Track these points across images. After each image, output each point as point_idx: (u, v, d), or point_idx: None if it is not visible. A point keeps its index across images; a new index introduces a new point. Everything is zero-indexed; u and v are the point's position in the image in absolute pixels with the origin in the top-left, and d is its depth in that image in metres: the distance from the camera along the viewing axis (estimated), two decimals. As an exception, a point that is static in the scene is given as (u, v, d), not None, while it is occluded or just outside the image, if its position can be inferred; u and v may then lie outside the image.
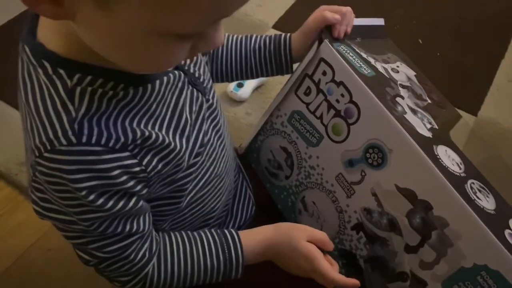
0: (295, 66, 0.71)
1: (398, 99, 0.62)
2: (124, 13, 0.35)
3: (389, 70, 0.67)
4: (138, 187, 0.49)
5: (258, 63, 0.72)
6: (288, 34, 0.71)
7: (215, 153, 0.60)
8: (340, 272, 0.65)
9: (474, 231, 0.53)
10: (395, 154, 0.58)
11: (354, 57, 0.63)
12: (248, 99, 1.34)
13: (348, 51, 0.64)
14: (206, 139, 0.57)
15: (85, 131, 0.43)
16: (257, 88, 1.36)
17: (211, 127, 0.60)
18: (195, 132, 0.55)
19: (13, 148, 1.18)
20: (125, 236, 0.51)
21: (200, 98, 0.57)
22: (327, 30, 0.65)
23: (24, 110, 0.47)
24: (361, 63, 0.63)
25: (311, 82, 0.65)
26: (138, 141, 0.47)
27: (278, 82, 0.73)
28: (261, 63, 0.72)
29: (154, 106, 0.49)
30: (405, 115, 0.60)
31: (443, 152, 0.58)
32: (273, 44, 0.71)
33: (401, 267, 0.60)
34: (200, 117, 0.56)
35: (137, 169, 0.47)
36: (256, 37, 0.73)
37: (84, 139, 0.43)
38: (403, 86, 0.65)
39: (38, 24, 0.46)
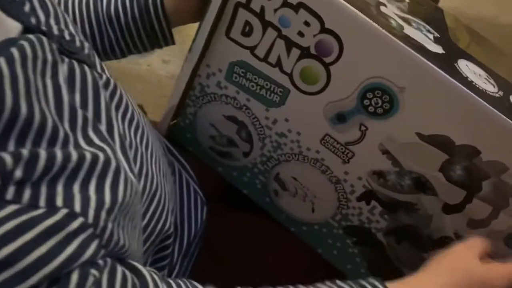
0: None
1: (382, 8, 0.43)
2: None
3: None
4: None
5: (121, 38, 0.51)
6: None
7: (142, 159, 0.38)
8: (352, 253, 0.51)
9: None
10: (409, 91, 0.40)
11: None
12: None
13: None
14: (127, 143, 0.35)
15: None
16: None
17: (120, 118, 0.37)
18: (105, 135, 0.33)
19: None
20: None
21: (90, 76, 0.34)
22: None
23: None
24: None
25: (250, 14, 0.43)
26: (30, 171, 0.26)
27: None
28: (124, 36, 0.51)
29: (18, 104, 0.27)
30: (405, 31, 0.41)
31: (467, 69, 0.41)
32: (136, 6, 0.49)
33: (441, 231, 0.45)
34: (103, 108, 0.34)
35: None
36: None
37: None
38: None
39: None
